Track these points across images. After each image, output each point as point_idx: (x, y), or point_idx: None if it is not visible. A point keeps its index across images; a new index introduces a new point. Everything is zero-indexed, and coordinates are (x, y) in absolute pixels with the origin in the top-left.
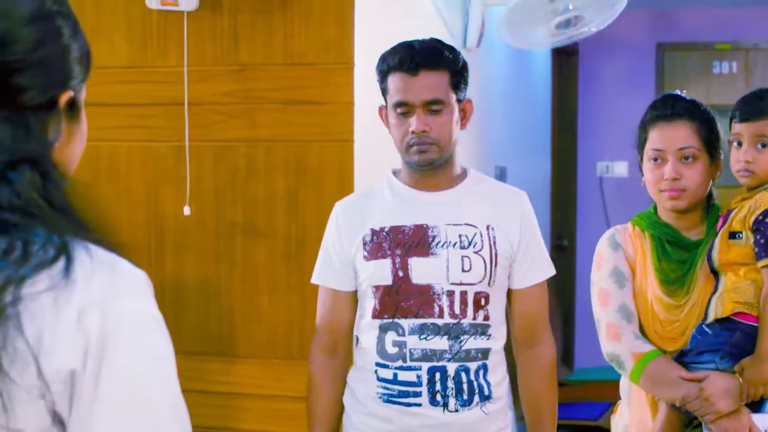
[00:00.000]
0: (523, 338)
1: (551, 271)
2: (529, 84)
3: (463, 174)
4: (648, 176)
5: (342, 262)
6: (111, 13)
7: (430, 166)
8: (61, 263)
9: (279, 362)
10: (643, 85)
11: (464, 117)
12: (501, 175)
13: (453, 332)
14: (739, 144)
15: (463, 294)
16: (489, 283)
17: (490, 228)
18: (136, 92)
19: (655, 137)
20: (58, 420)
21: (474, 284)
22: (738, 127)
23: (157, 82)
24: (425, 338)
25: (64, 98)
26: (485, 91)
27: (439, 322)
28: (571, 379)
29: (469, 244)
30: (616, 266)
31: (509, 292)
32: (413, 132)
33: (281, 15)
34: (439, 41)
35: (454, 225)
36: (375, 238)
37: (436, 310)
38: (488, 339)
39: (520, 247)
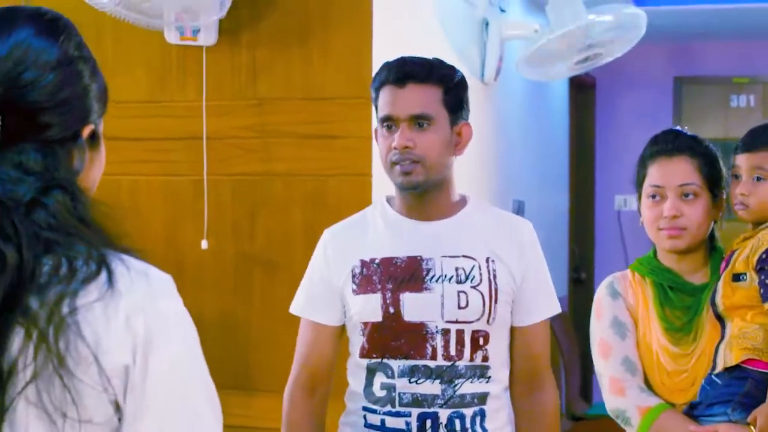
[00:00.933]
0: (524, 382)
1: (556, 309)
2: (546, 117)
3: (463, 202)
4: (646, 214)
5: (328, 293)
6: (130, 48)
7: (415, 190)
8: (104, 275)
9: None
10: (661, 118)
11: (459, 142)
12: (519, 209)
13: (446, 375)
14: (738, 177)
15: (460, 333)
16: (488, 321)
17: (490, 260)
18: (155, 126)
19: (655, 173)
20: (118, 409)
21: (471, 322)
22: (737, 158)
23: (176, 116)
24: (416, 381)
25: (86, 131)
26: (503, 125)
27: (431, 364)
28: (590, 414)
29: (467, 278)
30: (617, 316)
31: (511, 330)
32: (395, 147)
33: (300, 50)
34: (439, 60)
35: (450, 257)
36: (365, 270)
37: (429, 350)
38: (487, 382)
39: (524, 282)
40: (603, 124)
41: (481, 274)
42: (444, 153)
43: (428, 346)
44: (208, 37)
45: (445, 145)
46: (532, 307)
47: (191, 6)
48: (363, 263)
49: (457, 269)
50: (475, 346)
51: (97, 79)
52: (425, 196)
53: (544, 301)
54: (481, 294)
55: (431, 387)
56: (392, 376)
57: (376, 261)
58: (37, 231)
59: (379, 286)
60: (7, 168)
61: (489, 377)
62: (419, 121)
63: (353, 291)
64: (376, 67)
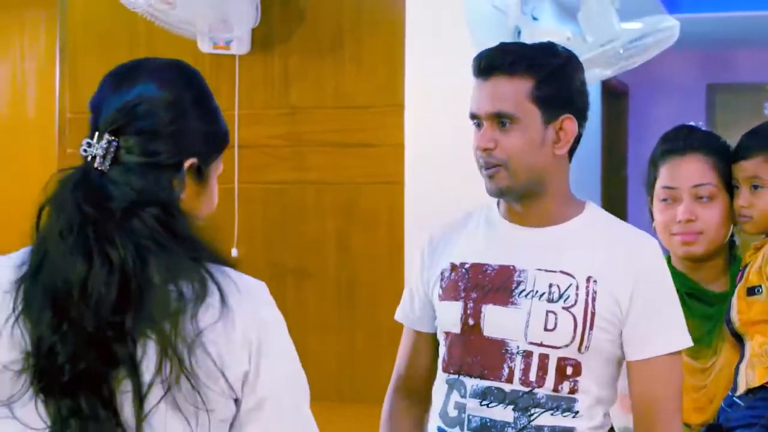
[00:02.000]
0: (640, 427)
1: (683, 342)
2: None
3: (577, 209)
4: (658, 218)
5: (422, 298)
6: (163, 57)
7: (502, 196)
8: (216, 294)
9: (329, 404)
10: None
11: (559, 139)
12: None
13: (521, 403)
14: (737, 188)
15: (543, 358)
16: (580, 349)
17: (592, 280)
18: None
19: (666, 174)
20: (237, 403)
21: (558, 347)
22: (734, 169)
23: None
24: (487, 404)
25: (188, 163)
26: None
27: (506, 387)
28: None
29: (560, 297)
30: None
31: (627, 366)
32: (477, 148)
33: (332, 58)
34: (544, 45)
35: (546, 271)
36: (453, 274)
37: (505, 372)
38: (574, 417)
39: (633, 309)
40: (636, 131)
41: (577, 294)
42: (534, 154)
43: (505, 366)
44: (240, 46)
45: (534, 145)
46: (647, 339)
47: (225, 16)
48: (452, 267)
49: (551, 286)
50: (561, 375)
51: (207, 122)
52: (524, 200)
53: (664, 333)
54: (573, 317)
55: (503, 413)
56: (465, 396)
57: (466, 266)
58: (131, 236)
59: (463, 294)
60: (115, 180)
61: (576, 412)
62: (501, 119)
63: (439, 296)
64: (408, 76)
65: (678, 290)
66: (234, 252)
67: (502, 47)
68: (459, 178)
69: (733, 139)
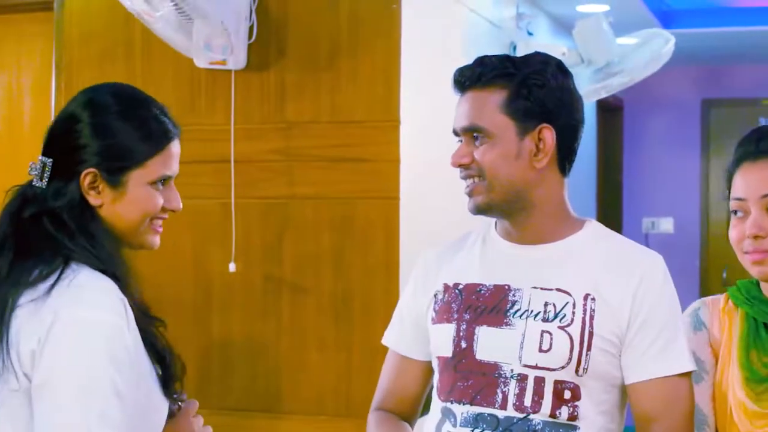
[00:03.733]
0: None
1: (685, 365)
2: None
3: (577, 226)
4: (731, 234)
5: (414, 322)
6: (160, 72)
7: (483, 213)
8: (50, 281)
9: (326, 419)
10: (689, 141)
11: (538, 150)
12: None
13: (516, 430)
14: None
15: (539, 381)
16: (578, 371)
17: (590, 298)
18: (184, 150)
19: (737, 183)
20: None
21: (554, 370)
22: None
23: (204, 140)
24: None
25: (84, 174)
26: None
27: (500, 414)
28: None
29: (555, 316)
30: (694, 352)
31: (627, 391)
32: (452, 164)
33: (328, 74)
34: (529, 54)
35: (542, 289)
36: (446, 296)
37: (499, 397)
38: None
39: (632, 328)
40: (630, 146)
41: (574, 312)
42: (510, 167)
43: (499, 392)
44: (237, 62)
45: (509, 158)
46: (646, 361)
47: (221, 31)
48: (446, 288)
49: (546, 304)
50: (559, 400)
51: (100, 138)
52: (512, 218)
53: (661, 355)
54: (570, 337)
55: None
56: (455, 425)
57: (460, 286)
58: (23, 238)
59: (456, 316)
60: (35, 194)
61: None
62: (474, 134)
63: (432, 320)
64: (404, 91)
65: (755, 319)
66: (232, 267)
67: (479, 60)
68: (455, 193)
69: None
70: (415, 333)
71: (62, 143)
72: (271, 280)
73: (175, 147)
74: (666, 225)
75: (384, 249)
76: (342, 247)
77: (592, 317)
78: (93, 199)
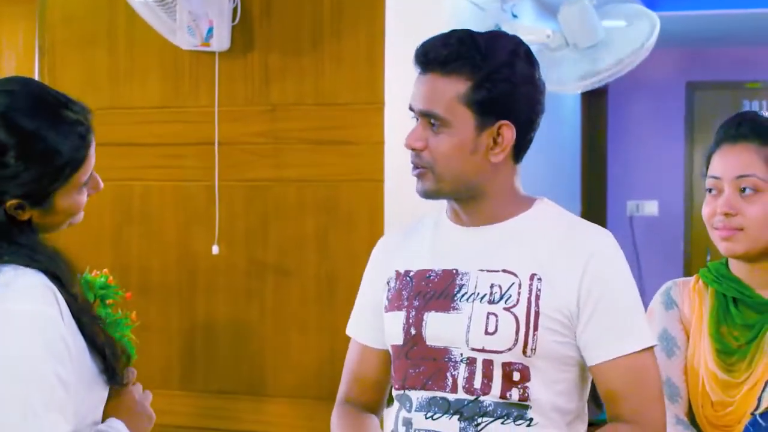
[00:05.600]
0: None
1: (644, 341)
2: (558, 123)
3: (525, 205)
4: (704, 210)
5: (372, 310)
6: (143, 54)
7: (429, 198)
8: None
9: (309, 402)
10: (673, 123)
11: (496, 144)
12: None
13: (467, 412)
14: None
15: (487, 364)
16: (525, 352)
17: (536, 278)
18: (168, 132)
19: (715, 163)
20: None
21: (501, 352)
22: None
23: (188, 122)
24: (431, 417)
25: (9, 204)
26: None
27: (450, 397)
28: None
29: (501, 297)
30: (667, 329)
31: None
32: (405, 145)
33: (312, 56)
34: (494, 36)
35: (488, 271)
36: (398, 283)
37: (449, 381)
38: (528, 426)
39: (585, 308)
40: (615, 129)
41: (519, 293)
42: (463, 161)
43: (449, 376)
44: (220, 43)
45: (464, 151)
46: (603, 341)
47: (204, 12)
48: (398, 275)
49: (492, 286)
50: (508, 382)
51: (31, 171)
52: (461, 202)
53: (620, 332)
54: (516, 318)
55: (448, 424)
56: (410, 410)
57: (411, 273)
58: None
59: (406, 303)
60: None
61: (530, 420)
62: (431, 120)
63: (385, 307)
64: (388, 74)
65: (724, 295)
66: (215, 249)
67: (444, 39)
68: None
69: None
70: (374, 321)
71: None
72: (255, 263)
73: (93, 145)
74: (650, 208)
75: (368, 232)
76: (326, 229)
77: (538, 297)
78: (21, 216)
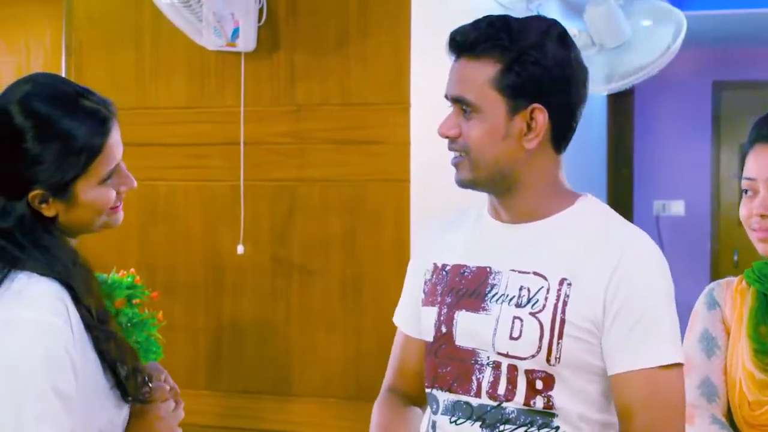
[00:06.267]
0: None
1: (667, 356)
2: (584, 123)
3: (567, 202)
4: (741, 211)
5: (414, 299)
6: (169, 55)
7: (467, 188)
8: None
9: (335, 401)
10: (700, 123)
11: (530, 130)
12: None
13: (489, 418)
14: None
15: (512, 369)
16: (549, 360)
17: (565, 283)
18: (193, 132)
19: (750, 163)
20: None
21: (524, 358)
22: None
23: (214, 122)
24: (455, 422)
25: (32, 195)
26: None
27: (474, 401)
28: None
29: (528, 301)
30: (707, 329)
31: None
32: (439, 133)
33: (337, 56)
34: (528, 19)
35: (519, 272)
36: (434, 276)
37: (473, 385)
38: None
39: (608, 314)
40: (641, 129)
41: (546, 298)
42: (496, 146)
43: (474, 379)
44: (246, 44)
45: (496, 137)
46: (626, 351)
47: (230, 12)
48: (435, 268)
49: (521, 289)
50: (532, 389)
51: (48, 160)
52: (499, 195)
53: (649, 343)
54: (540, 324)
55: (470, 430)
56: (436, 412)
57: (447, 267)
58: None
59: (439, 299)
60: None
61: (557, 429)
62: (462, 106)
63: (422, 300)
64: (414, 73)
65: (765, 295)
66: (240, 249)
67: (474, 22)
68: None
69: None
70: (415, 311)
71: (6, 160)
72: (281, 263)
73: (114, 135)
74: (677, 207)
75: (394, 231)
76: (352, 229)
77: (565, 303)
78: (46, 211)
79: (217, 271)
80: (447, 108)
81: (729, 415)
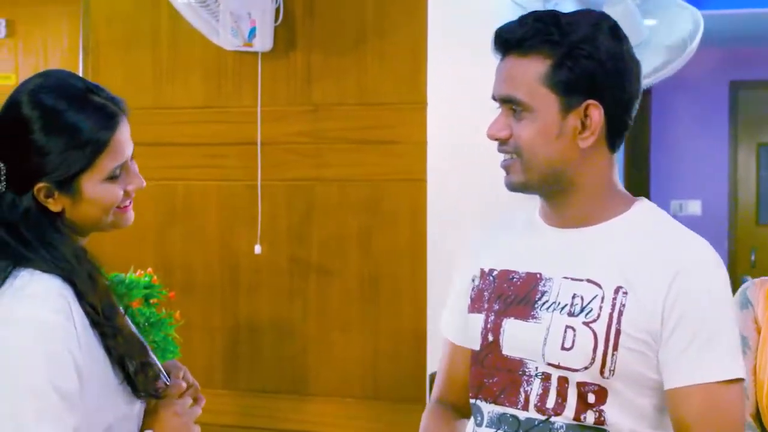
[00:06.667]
0: None
1: (728, 371)
2: None
3: (622, 207)
4: None
5: (461, 306)
6: (186, 54)
7: (518, 191)
8: None
9: (352, 401)
10: (717, 123)
11: (584, 128)
12: None
13: None
14: None
15: (562, 381)
16: (603, 372)
17: (621, 292)
18: (211, 132)
19: None
20: None
21: (576, 370)
22: None
23: (231, 122)
24: None
25: (37, 187)
26: None
27: (521, 415)
28: None
29: (581, 310)
30: (739, 329)
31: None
32: (488, 136)
33: (354, 55)
34: (577, 13)
35: (572, 280)
36: (481, 282)
37: (521, 397)
38: None
39: (666, 325)
40: (658, 128)
41: (601, 307)
42: (550, 146)
43: (522, 391)
44: (263, 43)
45: (550, 136)
46: (683, 364)
47: (247, 12)
48: (482, 273)
49: (574, 297)
50: (583, 404)
51: (53, 152)
52: (552, 198)
53: (707, 357)
54: (594, 334)
55: None
56: (480, 424)
57: (494, 273)
58: None
59: (486, 306)
60: None
61: None
62: (513, 106)
63: (468, 307)
64: (431, 73)
65: None
66: (257, 249)
67: (521, 20)
68: (482, 175)
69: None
70: (462, 318)
71: (13, 151)
72: (298, 263)
73: (122, 132)
74: (694, 207)
75: (411, 231)
76: (368, 229)
77: (621, 313)
78: (52, 206)
79: (234, 271)
80: (494, 110)
81: (757, 415)
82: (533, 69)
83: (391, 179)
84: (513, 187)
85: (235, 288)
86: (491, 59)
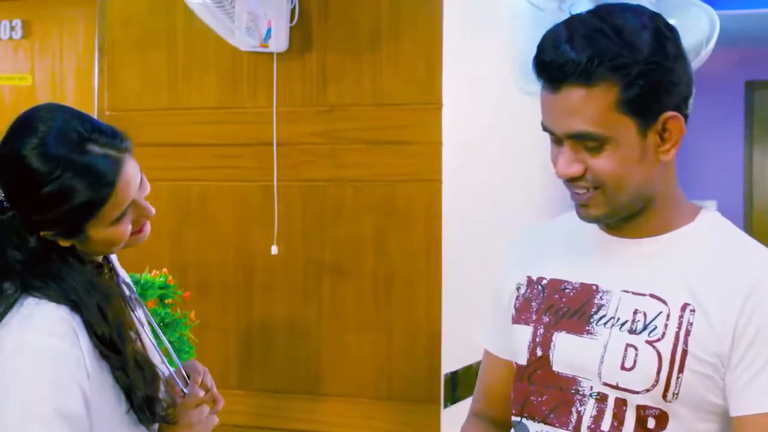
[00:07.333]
0: None
1: None
2: None
3: (688, 216)
4: None
5: (502, 315)
6: (202, 55)
7: (598, 223)
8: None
9: (366, 401)
10: (732, 123)
11: (664, 141)
12: None
13: None
14: None
15: (620, 403)
16: (666, 396)
17: (688, 309)
18: (226, 133)
19: None
20: None
21: (637, 392)
22: None
23: (246, 122)
24: None
25: (43, 233)
26: None
27: None
28: None
29: (644, 328)
30: None
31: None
32: (559, 175)
33: (370, 56)
34: (624, 21)
35: (633, 294)
36: (528, 291)
37: (573, 417)
38: None
39: (737, 348)
40: None
41: (667, 325)
42: (634, 171)
43: (573, 411)
44: (279, 44)
45: (633, 162)
46: (754, 391)
47: (262, 13)
48: (529, 282)
49: (635, 313)
50: (641, 429)
51: (60, 207)
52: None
53: None
54: (659, 355)
55: None
56: None
57: (543, 282)
58: None
59: (534, 317)
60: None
61: None
62: (584, 141)
63: (512, 317)
64: (446, 74)
65: None
66: (274, 249)
67: (568, 42)
68: (497, 175)
69: None
70: (503, 328)
71: (21, 198)
72: (313, 263)
73: (126, 175)
74: (709, 207)
75: (426, 232)
76: (384, 230)
77: (687, 333)
78: (61, 242)
79: (249, 271)
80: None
81: None
82: (603, 98)
83: (406, 180)
84: (597, 219)
85: (250, 288)
86: (506, 60)
